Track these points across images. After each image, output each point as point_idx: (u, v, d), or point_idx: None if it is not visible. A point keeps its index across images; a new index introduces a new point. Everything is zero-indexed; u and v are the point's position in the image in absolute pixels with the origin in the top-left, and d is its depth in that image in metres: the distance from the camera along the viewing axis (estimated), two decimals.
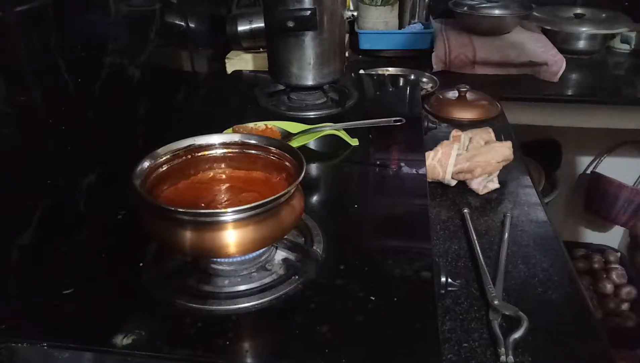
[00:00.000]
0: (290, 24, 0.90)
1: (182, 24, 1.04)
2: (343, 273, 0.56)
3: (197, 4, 1.13)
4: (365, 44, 1.55)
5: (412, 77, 1.26)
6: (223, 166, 0.63)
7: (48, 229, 0.65)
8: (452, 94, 1.23)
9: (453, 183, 0.93)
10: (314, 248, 0.60)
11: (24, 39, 0.61)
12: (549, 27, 1.58)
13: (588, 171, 1.85)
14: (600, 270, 1.69)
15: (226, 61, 1.30)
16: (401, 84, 1.13)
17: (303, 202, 0.57)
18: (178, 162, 0.60)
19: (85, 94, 0.72)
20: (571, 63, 1.44)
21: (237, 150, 0.62)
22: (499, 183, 0.93)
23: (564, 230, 1.93)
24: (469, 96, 1.21)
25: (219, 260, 0.56)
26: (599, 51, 1.59)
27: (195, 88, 1.11)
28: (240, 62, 1.31)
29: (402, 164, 0.78)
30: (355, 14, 1.07)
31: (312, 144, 0.85)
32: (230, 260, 0.56)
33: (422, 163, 0.79)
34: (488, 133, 1.00)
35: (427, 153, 0.90)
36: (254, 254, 0.56)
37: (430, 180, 0.92)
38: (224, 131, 0.81)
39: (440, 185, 0.94)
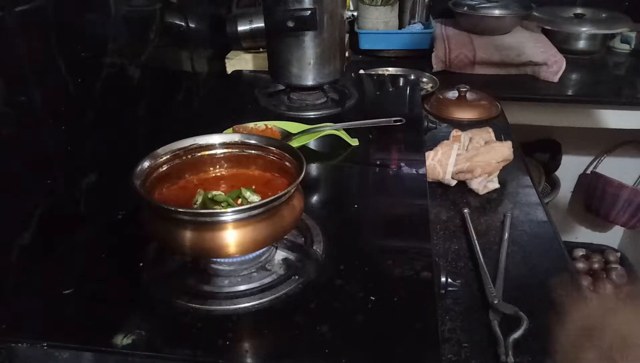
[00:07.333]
0: (290, 24, 0.90)
1: (182, 24, 1.04)
2: (343, 273, 0.56)
3: (197, 4, 1.13)
4: (365, 44, 1.55)
5: (412, 77, 1.26)
6: (223, 166, 0.63)
7: (48, 229, 0.65)
8: (452, 94, 1.23)
9: (453, 183, 0.93)
10: (314, 248, 0.59)
11: (24, 39, 0.61)
12: (549, 27, 1.58)
13: (588, 171, 1.85)
14: (600, 270, 1.69)
15: (226, 61, 1.30)
16: (401, 84, 1.13)
17: (303, 202, 0.57)
18: (178, 162, 0.60)
19: (85, 94, 0.72)
20: (571, 63, 1.44)
21: (237, 150, 0.62)
22: (499, 183, 0.93)
23: (564, 230, 1.93)
24: (469, 96, 1.21)
25: (219, 260, 0.56)
26: (599, 51, 1.59)
27: (195, 88, 1.11)
28: (240, 62, 1.31)
29: (402, 164, 0.78)
30: (355, 14, 1.07)
31: (312, 144, 0.85)
32: (230, 260, 0.56)
33: (422, 163, 0.78)
34: (488, 133, 1.00)
35: (427, 153, 0.90)
36: (254, 254, 0.56)
37: (430, 180, 0.92)
38: (224, 131, 0.81)
39: (440, 185, 0.94)
